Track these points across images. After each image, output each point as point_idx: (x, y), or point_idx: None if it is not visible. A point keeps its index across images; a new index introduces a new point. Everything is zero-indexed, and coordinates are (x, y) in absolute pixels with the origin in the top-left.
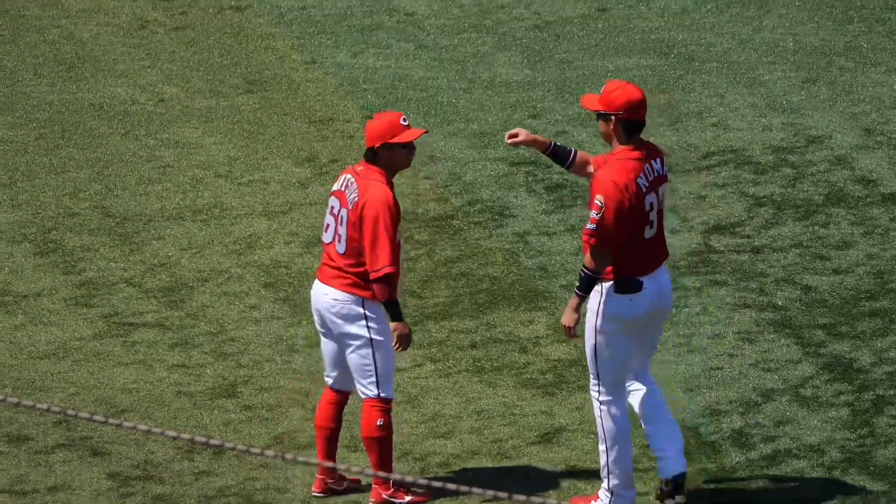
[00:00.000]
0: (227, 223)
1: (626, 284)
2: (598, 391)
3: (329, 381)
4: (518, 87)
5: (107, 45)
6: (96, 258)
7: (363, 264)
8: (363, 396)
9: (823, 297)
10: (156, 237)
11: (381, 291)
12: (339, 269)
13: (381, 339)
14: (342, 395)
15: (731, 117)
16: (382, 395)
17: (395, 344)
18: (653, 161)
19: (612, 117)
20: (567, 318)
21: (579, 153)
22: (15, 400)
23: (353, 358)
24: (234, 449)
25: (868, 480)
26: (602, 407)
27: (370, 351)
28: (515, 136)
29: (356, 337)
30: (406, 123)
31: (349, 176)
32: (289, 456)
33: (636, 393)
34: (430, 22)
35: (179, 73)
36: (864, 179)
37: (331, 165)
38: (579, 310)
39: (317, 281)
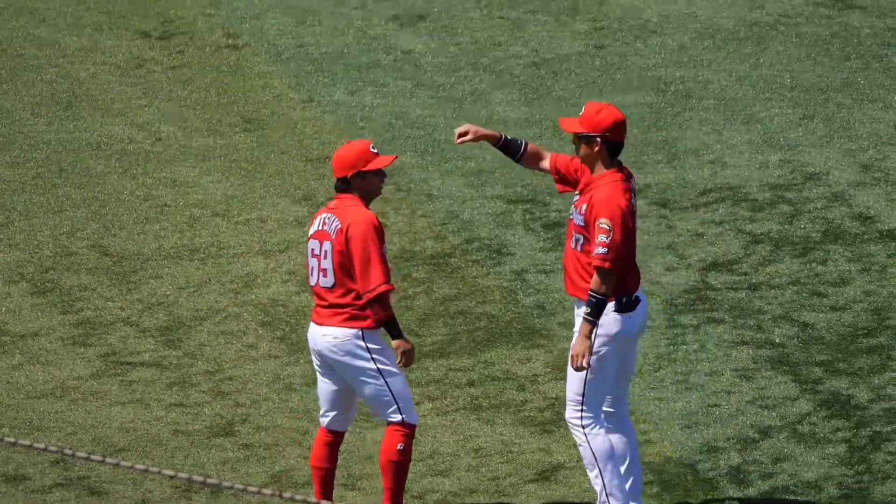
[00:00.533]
0: (224, 262)
1: (627, 303)
2: (581, 416)
3: (325, 420)
4: (515, 124)
5: (104, 85)
6: (94, 297)
7: (352, 292)
8: (387, 422)
9: (821, 334)
10: (153, 276)
11: (378, 310)
12: (331, 306)
13: (389, 367)
14: (338, 436)
15: (728, 154)
16: (407, 420)
17: (399, 361)
18: (632, 181)
19: (598, 139)
20: (579, 346)
21: (530, 145)
22: (12, 439)
23: (367, 391)
24: (231, 487)
25: None
26: (589, 431)
27: (382, 380)
28: (465, 134)
29: (364, 370)
30: (376, 151)
31: (324, 215)
32: (286, 494)
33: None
34: (427, 60)
35: (176, 111)
36: (862, 216)
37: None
38: (591, 336)
39: (312, 324)
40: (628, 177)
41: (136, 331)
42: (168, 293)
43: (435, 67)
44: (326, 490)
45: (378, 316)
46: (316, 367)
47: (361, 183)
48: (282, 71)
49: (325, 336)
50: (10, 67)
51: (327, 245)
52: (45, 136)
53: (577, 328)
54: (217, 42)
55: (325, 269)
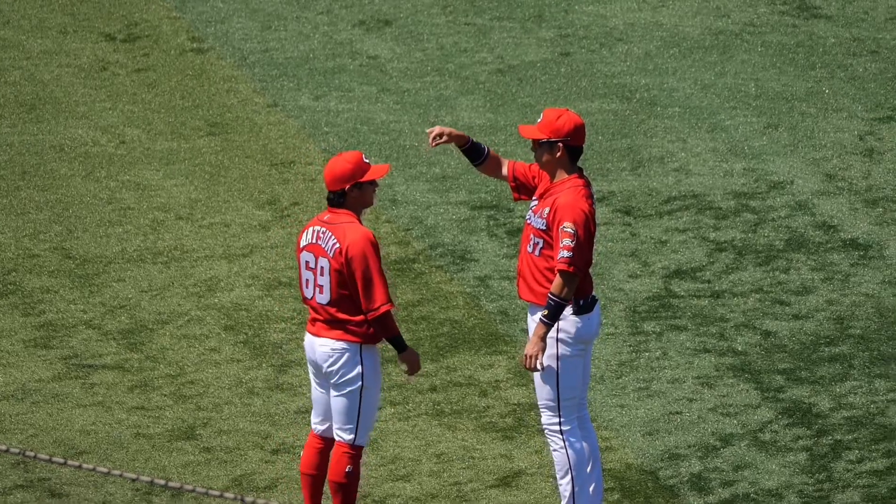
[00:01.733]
0: (187, 266)
1: (585, 305)
2: (560, 422)
3: (318, 428)
4: (480, 130)
5: (68, 87)
6: (56, 300)
7: (352, 310)
8: (337, 439)
9: (783, 343)
10: (116, 279)
11: (382, 329)
12: (328, 320)
13: (371, 387)
14: (329, 443)
15: (692, 162)
16: (357, 442)
17: (406, 369)
18: (591, 188)
19: (560, 144)
20: (533, 347)
21: (492, 152)
22: None
23: (339, 401)
24: (192, 491)
25: None
26: (567, 438)
27: (358, 398)
28: (440, 136)
29: (349, 383)
30: (368, 161)
31: (317, 227)
32: (248, 499)
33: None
34: (392, 66)
35: (141, 115)
36: (825, 225)
37: (292, 208)
38: (545, 339)
39: (308, 335)
40: (588, 183)
41: (99, 333)
42: (130, 296)
43: (400, 73)
44: (315, 497)
45: (384, 334)
46: (311, 377)
47: (358, 194)
48: (247, 75)
49: (323, 347)
50: None
51: (324, 262)
52: (9, 139)
53: (531, 334)
54: (182, 46)
55: (322, 286)
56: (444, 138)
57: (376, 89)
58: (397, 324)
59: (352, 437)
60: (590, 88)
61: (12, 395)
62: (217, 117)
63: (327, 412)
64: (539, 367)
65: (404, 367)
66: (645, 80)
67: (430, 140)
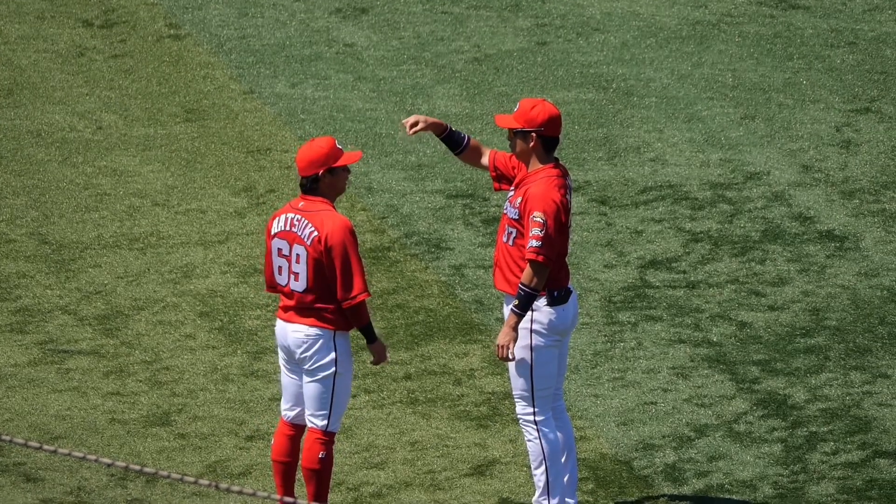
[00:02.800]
0: (163, 252)
1: (559, 296)
2: (534, 412)
3: (288, 415)
4: (457, 119)
5: (45, 72)
6: (32, 285)
7: (327, 298)
8: (310, 426)
9: (758, 334)
10: (92, 265)
11: (356, 318)
12: (302, 306)
13: (344, 373)
14: (299, 429)
15: (669, 152)
16: (330, 428)
17: (373, 362)
18: (568, 178)
19: (533, 134)
20: (504, 337)
21: (473, 140)
22: None
23: (312, 387)
24: (167, 477)
25: None
26: (541, 428)
27: (331, 384)
28: (415, 124)
29: (323, 368)
30: (340, 147)
31: (291, 214)
32: (223, 485)
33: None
34: (369, 53)
35: (118, 100)
36: (801, 216)
37: (268, 195)
38: (517, 329)
39: (280, 321)
40: (564, 173)
41: (74, 319)
42: (106, 282)
43: (377, 61)
44: (288, 484)
45: (358, 322)
46: (282, 363)
47: (331, 180)
48: (223, 62)
49: (297, 333)
50: None
51: (299, 249)
52: None
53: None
54: (159, 32)
55: (297, 274)
56: (421, 125)
57: (353, 77)
58: (370, 314)
59: (325, 423)
60: (566, 78)
61: None
62: (194, 104)
63: (298, 399)
64: (511, 356)
65: (372, 357)
66: (622, 69)
67: (408, 129)
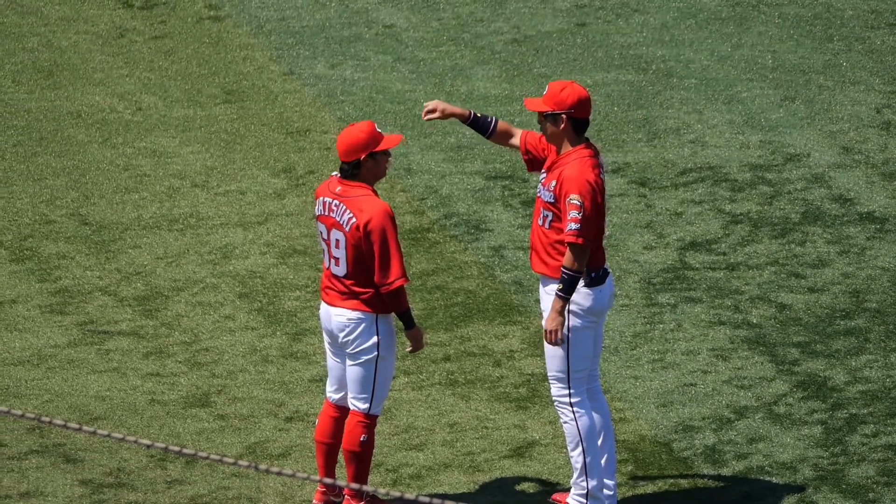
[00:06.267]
0: (202, 233)
1: (596, 277)
2: (570, 393)
3: (333, 397)
4: (496, 100)
5: (85, 54)
6: (72, 266)
7: (368, 282)
8: (352, 408)
9: (798, 316)
10: (132, 246)
11: (395, 303)
12: (345, 290)
13: (387, 357)
14: (344, 411)
15: (708, 134)
16: (372, 411)
17: (410, 349)
18: (600, 157)
19: (564, 116)
20: (552, 322)
21: (500, 122)
22: None
23: (354, 371)
24: (207, 458)
25: (840, 499)
26: (576, 409)
27: (374, 368)
28: (433, 111)
29: (366, 352)
30: (380, 131)
31: (327, 199)
32: (262, 466)
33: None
34: (408, 35)
35: (157, 82)
36: (841, 198)
37: (307, 177)
38: (563, 313)
39: (324, 304)
40: (596, 153)
41: (114, 300)
42: (146, 263)
43: (416, 42)
44: (330, 464)
45: (397, 308)
46: (327, 346)
47: (373, 164)
48: (263, 43)
49: (339, 317)
50: None
51: (338, 235)
52: (26, 105)
53: (543, 305)
54: (199, 13)
55: (338, 259)
56: (437, 114)
57: (392, 58)
58: (408, 300)
59: (367, 406)
60: (606, 59)
61: (28, 361)
62: (233, 85)
63: (342, 381)
64: (560, 340)
65: (409, 343)
66: (661, 51)
67: (424, 114)
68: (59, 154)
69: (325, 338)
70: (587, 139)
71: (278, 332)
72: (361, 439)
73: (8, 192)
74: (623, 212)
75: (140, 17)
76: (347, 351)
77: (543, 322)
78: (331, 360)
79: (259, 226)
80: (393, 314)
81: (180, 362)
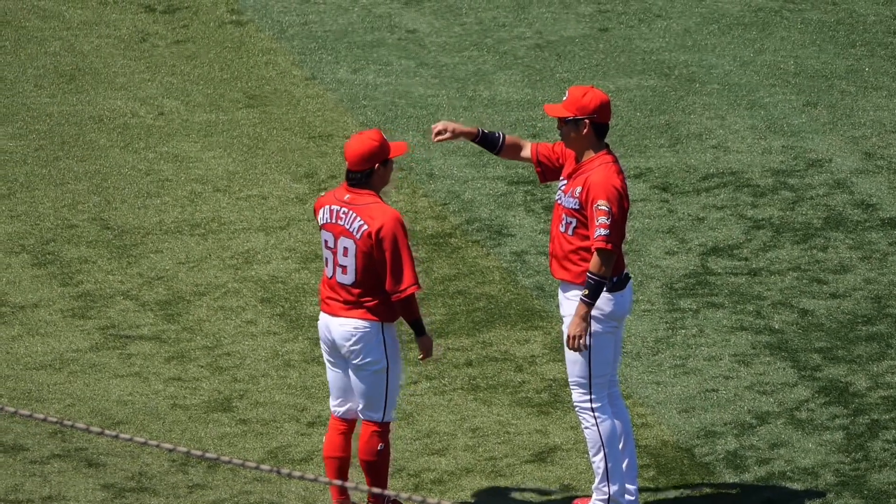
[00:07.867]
0: (224, 238)
1: (617, 282)
2: (591, 398)
3: (338, 411)
4: (518, 106)
5: (107, 58)
6: (94, 270)
7: (375, 290)
8: (364, 418)
9: (820, 321)
10: (153, 250)
11: (406, 311)
12: (350, 300)
13: (395, 365)
14: (351, 424)
15: (731, 139)
16: (385, 419)
17: (421, 356)
18: (620, 164)
19: (586, 121)
20: (576, 328)
21: (508, 137)
22: (11, 409)
23: (364, 383)
24: (229, 463)
25: None
26: (598, 414)
27: (384, 377)
28: (442, 132)
29: (374, 363)
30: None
31: (334, 207)
32: (284, 471)
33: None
34: (431, 40)
35: (180, 86)
36: (864, 204)
37: (329, 181)
38: (588, 318)
39: (325, 314)
40: (616, 159)
41: (136, 304)
42: (168, 268)
43: (439, 47)
44: (342, 478)
45: (408, 315)
46: (326, 358)
47: (384, 172)
48: (285, 48)
49: (344, 326)
50: (14, 39)
51: (347, 243)
52: (48, 109)
53: (563, 311)
54: (221, 17)
55: (346, 267)
56: (447, 135)
57: (414, 63)
58: (419, 307)
59: (380, 415)
60: (628, 64)
61: (50, 365)
62: (255, 90)
63: (345, 392)
64: (584, 346)
65: (420, 352)
66: (684, 56)
67: (433, 135)
68: (80, 158)
69: (324, 349)
70: (607, 145)
71: (300, 337)
72: (378, 448)
73: (30, 197)
74: (645, 217)
75: (162, 21)
76: (353, 362)
77: (564, 328)
78: (331, 373)
79: (281, 230)
80: (397, 321)
81: (202, 367)
